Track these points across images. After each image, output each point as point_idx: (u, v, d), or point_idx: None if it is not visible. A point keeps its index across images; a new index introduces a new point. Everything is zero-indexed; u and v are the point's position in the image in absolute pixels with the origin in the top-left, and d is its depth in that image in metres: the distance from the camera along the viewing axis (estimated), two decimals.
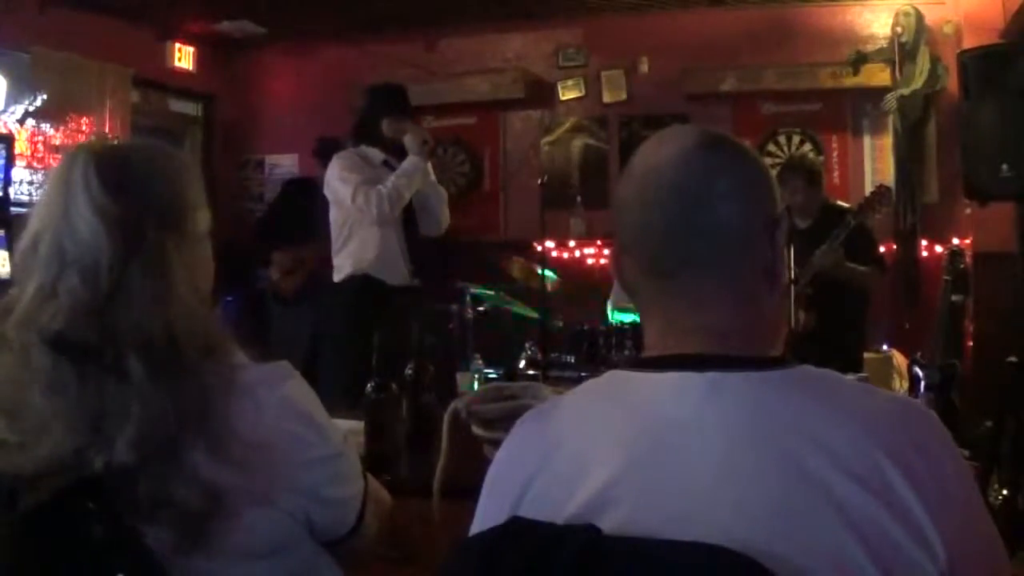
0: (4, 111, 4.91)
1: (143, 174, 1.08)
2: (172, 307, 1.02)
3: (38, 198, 1.10)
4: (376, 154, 3.85)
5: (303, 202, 5.00)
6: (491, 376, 3.42)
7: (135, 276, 1.02)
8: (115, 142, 1.14)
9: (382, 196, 3.66)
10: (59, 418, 0.97)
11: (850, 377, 0.95)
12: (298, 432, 1.09)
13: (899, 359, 4.58)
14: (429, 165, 3.93)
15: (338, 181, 3.74)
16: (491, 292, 4.40)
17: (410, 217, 3.91)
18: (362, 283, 3.83)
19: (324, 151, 5.06)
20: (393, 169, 3.78)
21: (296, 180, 5.78)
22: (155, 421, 0.97)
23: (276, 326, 5.01)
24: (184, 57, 6.32)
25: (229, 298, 4.86)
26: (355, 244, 3.84)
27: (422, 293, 4.00)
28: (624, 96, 5.85)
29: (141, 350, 0.99)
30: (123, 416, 0.97)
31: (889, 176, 5.23)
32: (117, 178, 1.05)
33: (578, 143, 5.98)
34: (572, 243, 5.80)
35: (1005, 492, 2.87)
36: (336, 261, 3.89)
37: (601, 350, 4.13)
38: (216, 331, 1.07)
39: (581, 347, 4.19)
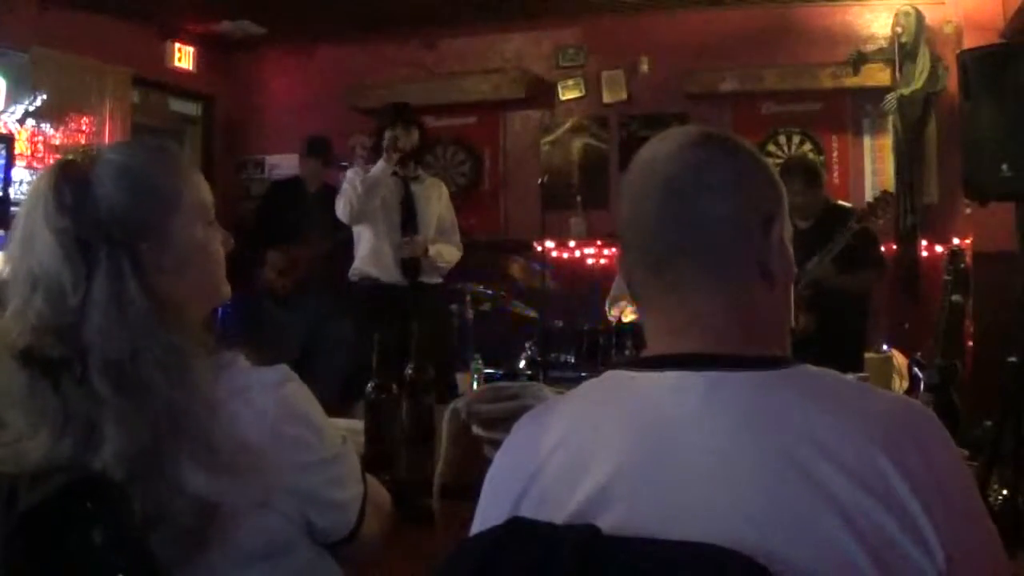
0: (4, 111, 4.91)
1: (101, 193, 1.07)
2: (130, 327, 1.02)
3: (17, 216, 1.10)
4: (378, 166, 4.08)
5: (291, 202, 4.99)
6: (491, 376, 3.42)
7: (97, 294, 1.02)
8: (91, 154, 1.11)
9: (341, 195, 4.04)
10: (44, 426, 0.99)
11: (850, 377, 0.94)
12: (297, 435, 1.09)
13: (899, 359, 4.58)
14: (420, 185, 4.14)
15: None
16: (491, 292, 4.41)
17: (407, 219, 4.04)
18: (362, 282, 4.11)
19: (311, 149, 5.07)
20: (398, 175, 4.08)
21: (283, 180, 5.73)
22: (131, 437, 0.98)
23: (270, 326, 5.01)
24: (184, 57, 6.32)
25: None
26: (359, 245, 4.15)
27: (424, 293, 4.06)
28: (624, 96, 5.85)
29: (105, 367, 1.00)
30: (101, 430, 0.98)
31: (889, 176, 5.24)
32: (72, 198, 1.05)
33: (578, 143, 5.98)
34: (572, 243, 5.80)
35: (1005, 492, 2.87)
36: None
37: (601, 350, 4.14)
38: (189, 344, 1.05)
39: (581, 347, 4.20)
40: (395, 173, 4.04)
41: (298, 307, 4.92)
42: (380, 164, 3.99)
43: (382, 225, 4.05)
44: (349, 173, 4.09)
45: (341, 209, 4.01)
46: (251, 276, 5.02)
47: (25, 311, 1.03)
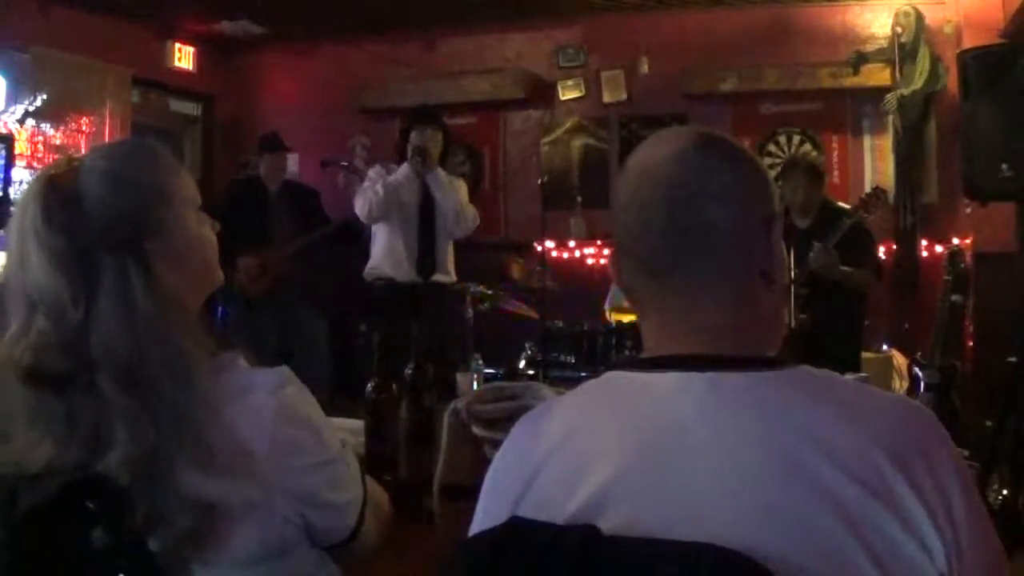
0: (4, 111, 4.91)
1: (93, 202, 1.06)
2: (138, 330, 1.02)
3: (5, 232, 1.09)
4: (402, 169, 4.11)
5: (253, 202, 4.86)
6: (491, 376, 3.42)
7: (100, 305, 1.02)
8: (73, 164, 1.09)
9: (360, 192, 4.06)
10: (48, 435, 0.98)
11: (850, 377, 0.95)
12: (296, 437, 1.09)
13: (899, 359, 4.58)
14: (440, 172, 4.12)
15: None
16: (491, 292, 4.41)
17: (426, 218, 4.04)
18: (376, 281, 4.18)
19: (263, 145, 5.01)
20: (420, 178, 4.11)
21: (242, 180, 5.55)
22: (139, 440, 0.98)
23: (242, 330, 4.81)
24: (184, 57, 6.32)
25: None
26: (375, 243, 4.19)
27: (437, 291, 4.07)
28: (624, 96, 5.84)
29: (113, 372, 1.00)
30: (110, 434, 0.98)
31: (889, 176, 5.23)
32: (64, 213, 1.04)
33: (578, 143, 5.98)
34: (572, 243, 5.80)
35: (1005, 492, 2.87)
36: None
37: (601, 350, 4.14)
38: (193, 345, 1.05)
39: (581, 347, 4.20)
40: (417, 175, 4.07)
41: (269, 310, 4.83)
42: (404, 168, 4.03)
43: (399, 225, 4.09)
44: (371, 172, 4.11)
45: (360, 207, 4.05)
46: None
47: (27, 331, 1.03)
